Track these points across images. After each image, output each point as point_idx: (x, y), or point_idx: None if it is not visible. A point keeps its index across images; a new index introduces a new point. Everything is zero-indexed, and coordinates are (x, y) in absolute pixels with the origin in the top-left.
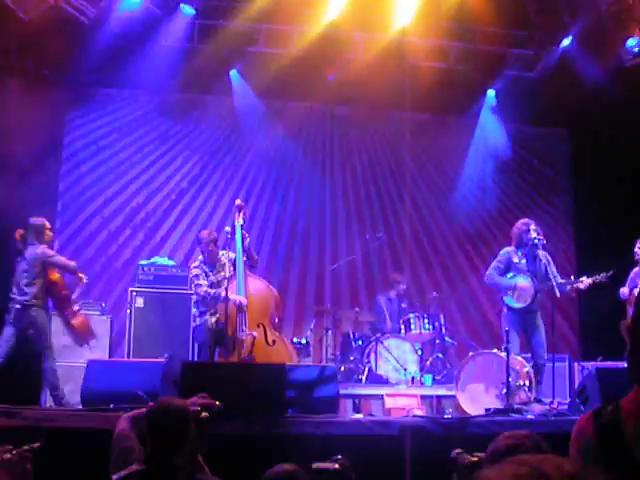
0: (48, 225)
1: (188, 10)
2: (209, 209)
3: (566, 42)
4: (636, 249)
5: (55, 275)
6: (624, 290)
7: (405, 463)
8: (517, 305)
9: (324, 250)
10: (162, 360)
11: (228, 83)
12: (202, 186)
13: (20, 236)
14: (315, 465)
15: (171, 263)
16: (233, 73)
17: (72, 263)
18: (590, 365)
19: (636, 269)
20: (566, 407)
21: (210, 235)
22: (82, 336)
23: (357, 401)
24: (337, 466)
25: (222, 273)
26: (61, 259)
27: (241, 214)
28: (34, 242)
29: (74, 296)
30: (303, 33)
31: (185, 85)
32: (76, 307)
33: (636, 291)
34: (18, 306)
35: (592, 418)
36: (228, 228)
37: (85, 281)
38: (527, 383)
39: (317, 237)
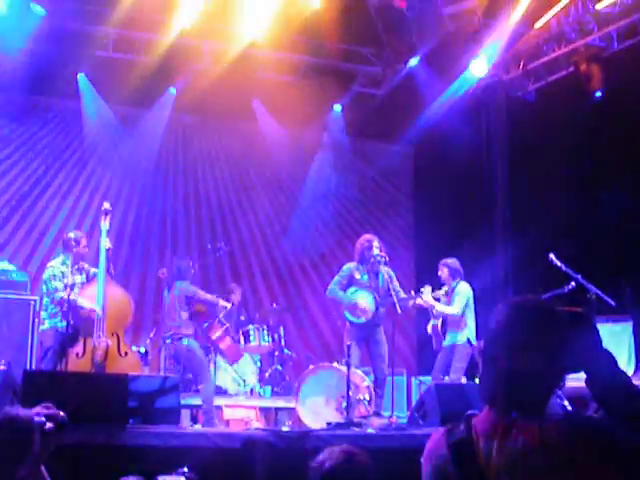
0: (190, 262)
1: (38, 10)
2: (50, 213)
3: (413, 62)
4: (439, 272)
5: (198, 306)
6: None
7: (249, 475)
8: (358, 321)
9: (164, 258)
10: (1, 367)
11: (76, 86)
12: (44, 190)
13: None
14: (161, 478)
15: (11, 267)
16: (81, 77)
17: (212, 296)
18: (428, 380)
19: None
20: (405, 421)
21: (84, 238)
22: (230, 356)
23: (195, 411)
24: (183, 478)
25: (78, 277)
26: (202, 293)
27: (107, 218)
28: (183, 278)
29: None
30: (154, 40)
31: (31, 86)
32: (219, 332)
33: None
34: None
35: (445, 436)
36: (72, 234)
37: (229, 306)
38: (367, 397)
39: (158, 245)
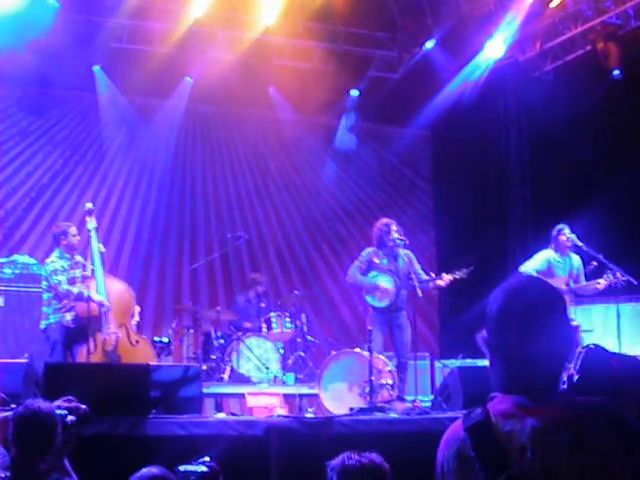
0: None
1: (52, 3)
2: (70, 205)
3: (429, 45)
4: (564, 236)
5: None
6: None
7: (271, 463)
8: (380, 304)
9: (184, 248)
10: (23, 360)
11: (91, 79)
12: (63, 182)
13: None
14: (182, 467)
15: (32, 261)
16: (96, 69)
17: None
18: (451, 363)
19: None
20: (429, 405)
21: (72, 227)
22: None
23: (219, 399)
24: (204, 468)
25: (78, 271)
26: None
27: (92, 217)
28: None
29: None
30: (167, 30)
31: (47, 80)
32: None
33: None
34: None
35: (462, 422)
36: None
37: None
38: (390, 382)
39: (177, 235)
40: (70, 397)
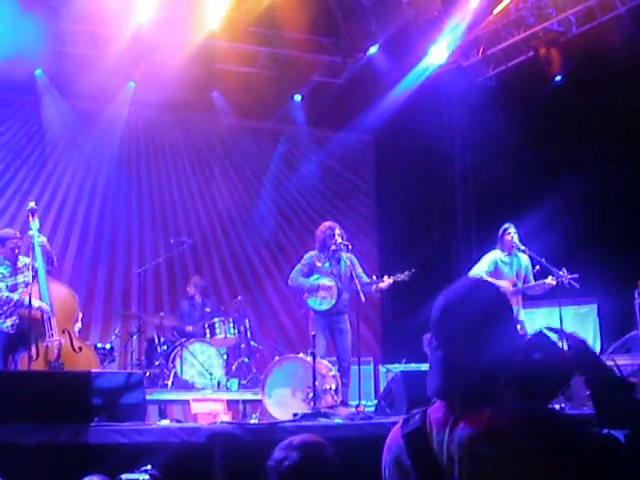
0: None
1: None
2: (12, 210)
3: (373, 50)
4: (510, 235)
5: None
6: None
7: (215, 470)
8: (321, 307)
9: (131, 253)
10: None
11: (34, 82)
12: (5, 186)
13: None
14: (124, 476)
15: None
16: (39, 73)
17: None
18: (395, 368)
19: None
20: (372, 410)
21: (14, 233)
22: None
23: (163, 406)
24: (146, 477)
25: (20, 277)
26: None
27: (35, 217)
28: None
29: None
30: (112, 35)
31: None
32: None
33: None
34: None
35: (401, 427)
36: (32, 232)
37: None
38: (333, 387)
39: (124, 240)
40: None
